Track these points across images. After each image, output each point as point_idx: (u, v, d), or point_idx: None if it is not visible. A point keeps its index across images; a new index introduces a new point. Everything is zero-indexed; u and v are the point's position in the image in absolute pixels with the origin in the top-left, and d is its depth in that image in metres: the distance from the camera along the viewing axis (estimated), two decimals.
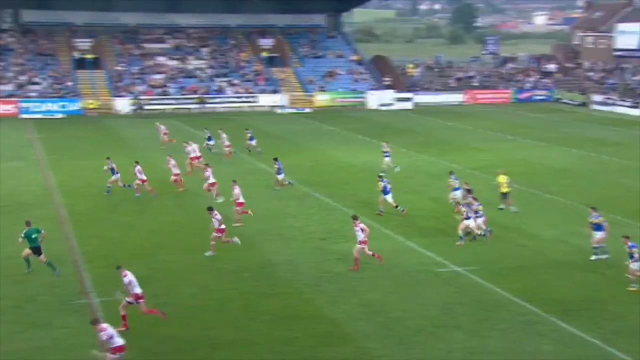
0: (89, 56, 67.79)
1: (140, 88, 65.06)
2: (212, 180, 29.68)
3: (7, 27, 69.52)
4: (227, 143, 39.91)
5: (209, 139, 41.02)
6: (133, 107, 61.42)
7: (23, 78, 63.38)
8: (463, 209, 24.38)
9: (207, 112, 62.69)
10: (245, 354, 16.09)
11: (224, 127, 43.49)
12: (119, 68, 67.07)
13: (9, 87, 61.93)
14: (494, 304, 19.00)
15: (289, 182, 31.98)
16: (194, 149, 35.32)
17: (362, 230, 21.16)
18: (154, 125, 46.27)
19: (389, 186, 27.58)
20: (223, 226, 22.65)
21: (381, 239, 24.73)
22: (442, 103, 69.39)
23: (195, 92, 65.45)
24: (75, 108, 61.21)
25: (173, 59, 69.92)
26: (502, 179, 28.78)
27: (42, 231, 21.11)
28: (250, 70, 70.38)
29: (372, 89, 69.60)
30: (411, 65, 77.65)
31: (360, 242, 21.16)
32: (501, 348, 16.44)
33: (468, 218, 24.01)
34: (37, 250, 20.76)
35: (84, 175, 32.25)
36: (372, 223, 26.48)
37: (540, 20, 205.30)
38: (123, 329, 16.78)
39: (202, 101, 64.37)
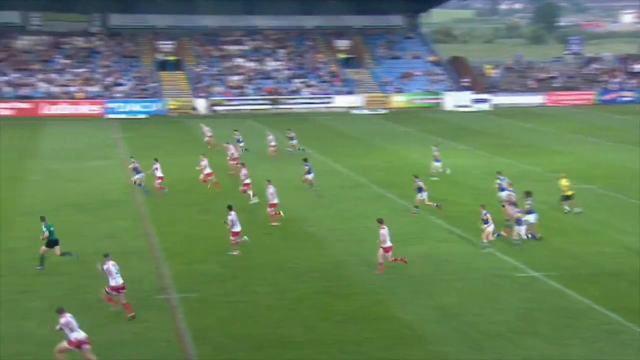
0: (170, 58, 69.83)
1: (219, 89, 66.46)
2: (247, 181, 29.71)
3: (95, 30, 72.37)
4: (273, 144, 40.02)
5: (239, 141, 40.85)
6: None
7: (109, 79, 65.80)
8: (483, 215, 23.47)
9: (284, 113, 63.41)
10: (317, 354, 16.16)
11: (270, 127, 44.09)
12: (198, 69, 68.69)
13: (95, 88, 64.43)
14: (575, 311, 18.44)
15: (310, 184, 31.80)
16: (234, 150, 35.84)
17: (382, 235, 20.92)
18: (232, 126, 47.04)
19: (424, 186, 27.93)
20: (239, 228, 22.74)
21: (457, 242, 24.43)
22: (521, 104, 67.82)
23: (270, 93, 66.38)
24: (157, 108, 63.10)
25: (251, 60, 71.05)
26: (565, 182, 28.15)
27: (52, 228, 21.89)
28: (326, 71, 70.73)
29: (449, 90, 68.75)
30: (489, 66, 76.23)
31: (384, 249, 21.02)
32: (583, 357, 15.94)
33: (486, 223, 23.29)
34: (53, 243, 21.56)
35: (165, 174, 33.14)
36: (450, 227, 26.20)
37: (627, 18, 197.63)
38: (129, 314, 17.78)
39: (274, 102, 65.25)
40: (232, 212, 22.77)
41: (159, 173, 31.04)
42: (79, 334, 14.99)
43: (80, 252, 22.72)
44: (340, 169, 36.96)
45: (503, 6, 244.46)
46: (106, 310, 18.41)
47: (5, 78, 63.82)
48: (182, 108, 63.46)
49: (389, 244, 20.95)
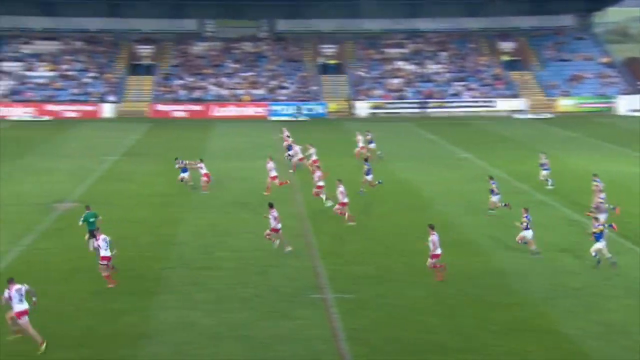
0: (332, 61, 71.32)
1: (378, 92, 66.86)
2: (321, 183, 29.64)
3: (263, 36, 75.57)
4: (361, 145, 39.94)
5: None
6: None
7: (273, 83, 68.37)
8: (525, 219, 22.50)
9: (443, 117, 62.64)
10: None
11: (371, 129, 43.97)
12: (359, 72, 69.52)
13: (261, 92, 67.21)
14: None
15: (379, 182, 31.54)
16: (313, 152, 36.01)
17: (432, 242, 20.40)
18: (393, 128, 47.20)
19: (497, 189, 27.55)
20: (279, 225, 23.01)
21: (627, 254, 22.88)
22: None
23: (430, 97, 65.77)
24: (319, 111, 64.61)
25: (412, 63, 70.83)
26: None
27: (100, 217, 22.99)
28: (489, 74, 68.95)
29: (622, 94, 64.54)
30: None
31: (433, 256, 20.51)
32: None
33: (527, 229, 22.26)
34: (93, 233, 22.45)
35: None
36: (619, 238, 24.59)
37: None
38: (111, 285, 19.73)
39: (424, 105, 64.62)
40: (273, 210, 23.17)
41: (203, 171, 32.57)
42: (22, 306, 15.93)
43: (239, 249, 23.75)
44: (500, 174, 35.82)
45: None
46: (265, 305, 19.08)
47: (181, 82, 68.25)
48: (341, 111, 64.60)
49: (439, 251, 20.54)
